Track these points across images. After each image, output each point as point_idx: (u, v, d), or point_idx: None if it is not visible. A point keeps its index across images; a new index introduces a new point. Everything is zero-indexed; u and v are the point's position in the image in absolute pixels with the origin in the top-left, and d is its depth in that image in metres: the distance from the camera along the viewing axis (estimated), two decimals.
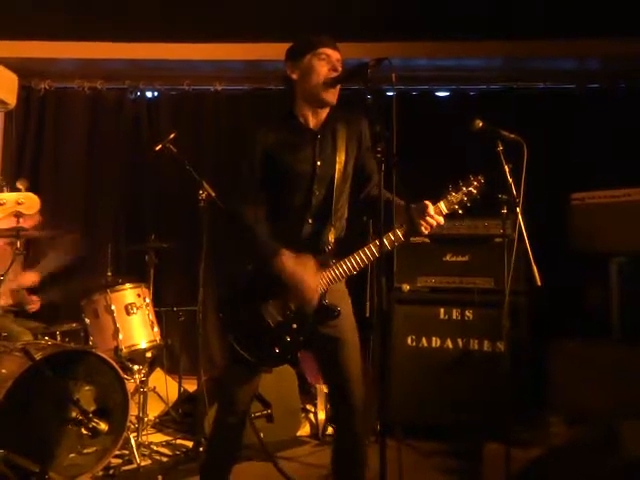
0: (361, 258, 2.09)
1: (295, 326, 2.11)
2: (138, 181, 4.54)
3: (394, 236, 2.07)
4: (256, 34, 4.01)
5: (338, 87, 2.10)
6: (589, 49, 4.07)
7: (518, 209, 2.59)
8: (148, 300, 3.39)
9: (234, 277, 2.20)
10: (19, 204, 1.82)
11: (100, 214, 4.53)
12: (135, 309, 3.26)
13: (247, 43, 4.13)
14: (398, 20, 3.77)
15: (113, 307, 3.23)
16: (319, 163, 2.12)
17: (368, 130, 2.17)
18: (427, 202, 2.07)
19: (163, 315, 3.77)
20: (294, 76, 2.13)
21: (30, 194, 1.89)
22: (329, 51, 2.09)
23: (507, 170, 2.61)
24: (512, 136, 2.67)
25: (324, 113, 2.16)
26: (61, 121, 4.59)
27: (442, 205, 2.10)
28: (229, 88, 4.53)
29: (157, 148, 3.33)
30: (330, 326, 2.13)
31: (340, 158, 2.13)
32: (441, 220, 2.08)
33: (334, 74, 2.07)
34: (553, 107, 4.32)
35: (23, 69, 4.34)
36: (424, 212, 2.04)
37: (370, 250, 2.09)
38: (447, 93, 4.53)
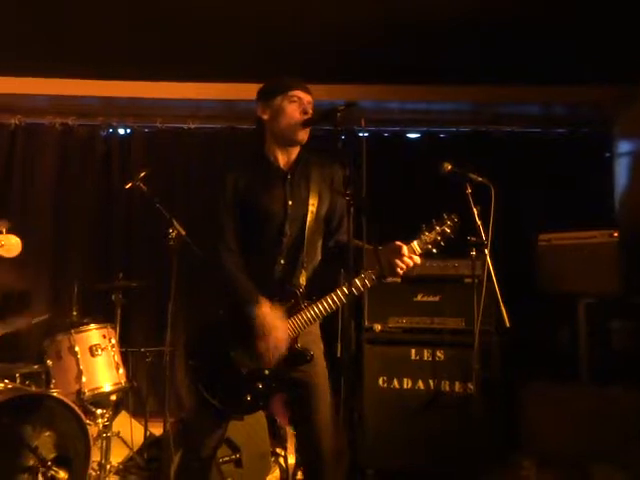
0: (333, 301, 2.08)
1: (267, 372, 2.07)
2: (107, 219, 4.47)
3: (365, 279, 2.07)
4: (230, 74, 4.05)
5: (309, 127, 2.12)
6: (554, 96, 4.21)
7: (486, 251, 2.63)
8: (114, 341, 3.30)
9: (204, 323, 2.17)
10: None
11: (68, 251, 4.44)
12: (100, 350, 3.17)
13: (221, 83, 4.16)
14: (371, 64, 3.85)
15: (77, 348, 3.13)
16: (290, 203, 2.12)
17: (341, 176, 2.16)
18: (399, 243, 2.07)
19: (130, 356, 3.68)
20: (265, 116, 2.15)
21: (11, 236, 1.81)
22: (300, 94, 2.12)
23: (476, 212, 2.67)
24: (480, 179, 2.73)
25: (294, 153, 2.18)
26: (31, 157, 4.52)
27: (415, 245, 2.10)
28: (202, 127, 4.54)
29: (127, 187, 3.30)
30: (301, 370, 2.11)
31: (313, 200, 2.14)
32: (417, 260, 2.07)
33: (305, 117, 2.09)
34: (521, 150, 4.43)
35: None
36: (398, 253, 2.04)
37: (342, 292, 2.07)
38: (418, 135, 4.62)
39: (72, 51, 3.85)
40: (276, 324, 2.03)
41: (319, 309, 2.09)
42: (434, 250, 2.12)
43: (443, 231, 2.12)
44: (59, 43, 3.76)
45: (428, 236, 2.11)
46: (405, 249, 2.05)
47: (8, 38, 3.69)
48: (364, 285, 2.07)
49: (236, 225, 2.10)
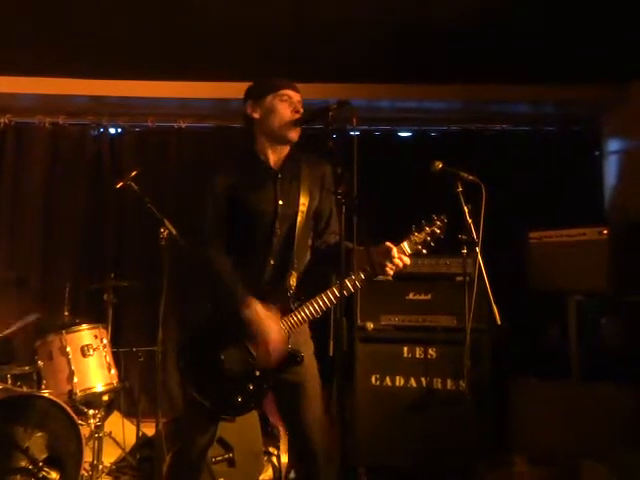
0: (323, 302, 2.08)
1: (258, 373, 2.07)
2: (98, 218, 4.45)
3: (356, 280, 2.06)
4: (221, 73, 4.04)
5: (301, 126, 2.13)
6: (544, 94, 4.23)
7: (477, 249, 2.65)
8: (105, 341, 3.29)
9: (195, 324, 2.17)
10: None
11: (58, 251, 4.41)
12: (91, 350, 3.16)
13: (212, 82, 4.15)
14: (362, 63, 3.86)
15: (68, 348, 3.12)
16: (281, 202, 2.12)
17: (331, 175, 2.17)
18: (389, 244, 2.07)
19: (122, 355, 3.67)
20: (255, 115, 2.15)
21: None
22: (290, 93, 2.12)
23: (466, 211, 2.68)
24: (471, 177, 2.75)
25: (284, 151, 2.18)
26: (20, 156, 4.48)
27: (405, 246, 2.11)
28: (193, 125, 4.53)
29: (118, 186, 3.29)
30: (291, 371, 2.11)
31: (304, 200, 2.14)
32: (407, 261, 2.08)
33: (297, 115, 2.10)
34: (511, 148, 4.46)
35: None
36: (388, 254, 2.04)
37: (332, 293, 2.08)
38: (409, 134, 4.63)
39: (62, 50, 3.83)
40: (272, 326, 2.03)
41: (309, 310, 2.08)
42: (424, 251, 2.14)
43: (433, 232, 2.14)
44: (49, 42, 3.74)
45: (418, 237, 2.12)
46: (395, 250, 2.06)
47: None
48: (354, 286, 2.07)
49: (226, 226, 2.10)
